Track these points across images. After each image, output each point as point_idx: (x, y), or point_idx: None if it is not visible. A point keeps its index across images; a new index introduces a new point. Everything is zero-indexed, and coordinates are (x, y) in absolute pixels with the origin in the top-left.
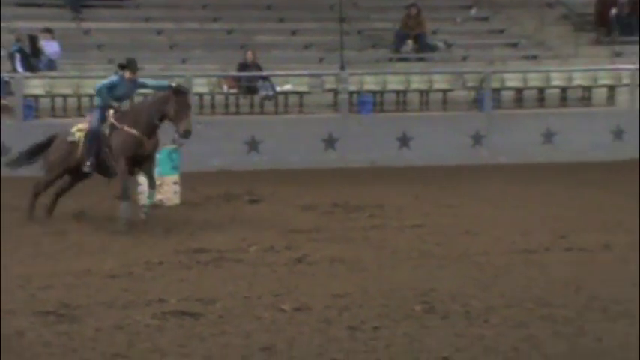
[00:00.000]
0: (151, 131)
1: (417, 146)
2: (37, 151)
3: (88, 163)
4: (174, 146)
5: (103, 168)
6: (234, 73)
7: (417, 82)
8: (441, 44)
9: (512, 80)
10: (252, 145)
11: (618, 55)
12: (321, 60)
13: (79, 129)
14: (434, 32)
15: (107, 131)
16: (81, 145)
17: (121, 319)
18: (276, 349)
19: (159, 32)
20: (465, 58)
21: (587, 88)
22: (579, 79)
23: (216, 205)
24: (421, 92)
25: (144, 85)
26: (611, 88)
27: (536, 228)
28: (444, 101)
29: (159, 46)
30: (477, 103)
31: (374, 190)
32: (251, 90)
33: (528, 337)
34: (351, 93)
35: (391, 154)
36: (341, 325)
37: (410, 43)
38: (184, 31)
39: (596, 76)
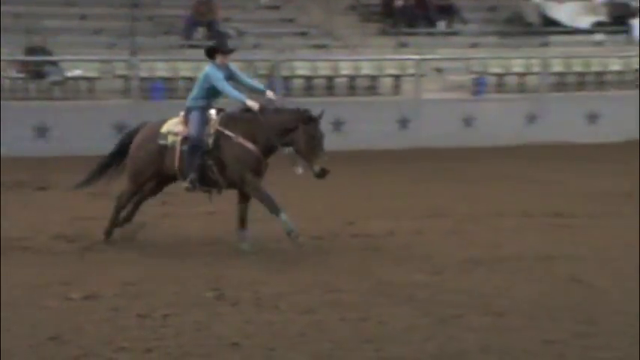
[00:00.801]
0: (270, 153)
1: None
2: (111, 162)
3: (190, 179)
4: None
5: (206, 180)
6: (22, 57)
7: None
8: (232, 32)
9: (302, 69)
10: (41, 132)
11: (404, 45)
12: (111, 46)
13: (170, 131)
14: (225, 20)
15: (210, 140)
16: (176, 152)
17: None
18: (64, 338)
19: None
20: (256, 46)
21: (374, 78)
22: (367, 69)
23: (3, 192)
24: None
25: (234, 77)
26: (397, 78)
27: (325, 215)
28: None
29: None
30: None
31: None
32: (39, 75)
33: (316, 323)
34: (142, 79)
35: None
36: (130, 314)
37: (201, 30)
38: None
39: (382, 66)
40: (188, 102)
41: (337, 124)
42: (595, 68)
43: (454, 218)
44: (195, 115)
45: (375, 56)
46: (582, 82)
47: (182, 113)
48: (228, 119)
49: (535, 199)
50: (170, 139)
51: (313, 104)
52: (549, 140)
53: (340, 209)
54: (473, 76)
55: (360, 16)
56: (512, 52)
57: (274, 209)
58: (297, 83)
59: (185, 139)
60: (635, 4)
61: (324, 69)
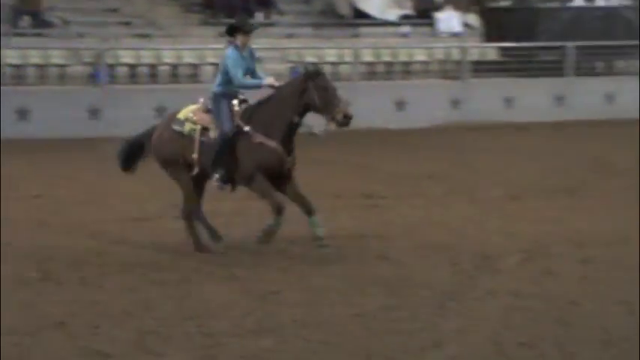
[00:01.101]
0: (290, 140)
1: (37, 119)
2: (134, 152)
3: (220, 175)
4: None
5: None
6: None
7: (35, 57)
8: (57, 21)
9: (126, 57)
10: None
11: (223, 35)
12: None
13: (189, 119)
14: (50, 9)
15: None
16: (195, 143)
17: None
18: None
19: None
20: (81, 35)
21: (196, 66)
22: (189, 58)
23: None
24: (39, 67)
25: (254, 58)
26: (218, 66)
27: (150, 198)
28: (62, 76)
29: None
30: (93, 78)
31: None
32: None
33: (140, 301)
34: None
35: (9, 127)
36: None
37: (27, 18)
38: None
39: (203, 55)
40: (213, 87)
41: (160, 111)
42: (402, 58)
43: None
44: (222, 107)
45: (197, 45)
46: (391, 71)
47: (201, 100)
48: (250, 113)
49: (347, 182)
50: (188, 126)
51: (137, 91)
52: (361, 126)
53: (165, 192)
54: (289, 65)
55: (181, 7)
56: (325, 42)
57: (279, 210)
58: (122, 71)
59: (205, 130)
60: None
61: (147, 57)
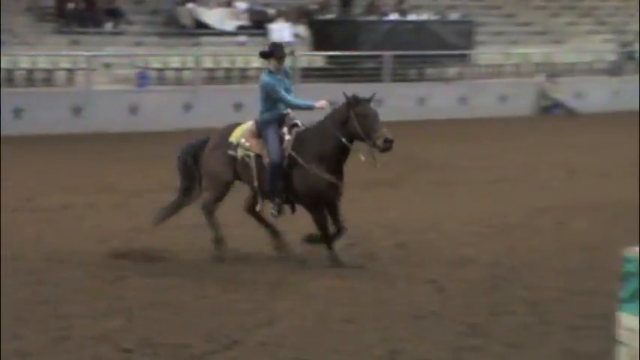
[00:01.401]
0: (340, 167)
1: None
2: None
3: (276, 204)
4: None
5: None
6: None
7: None
8: None
9: None
10: None
11: (76, 43)
12: None
13: (241, 144)
14: None
15: (284, 163)
16: (252, 170)
17: None
18: None
19: None
20: None
21: (50, 71)
22: (43, 63)
23: None
24: None
25: (288, 76)
26: (71, 72)
27: (4, 193)
28: None
29: None
30: None
31: None
32: None
33: None
34: None
35: None
36: None
37: None
38: None
39: (57, 61)
40: (258, 117)
41: (17, 112)
42: (239, 65)
43: (121, 193)
44: (270, 135)
45: (50, 52)
46: (229, 76)
47: (252, 122)
48: (300, 142)
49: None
50: (240, 152)
51: None
52: (203, 126)
53: (20, 187)
54: (137, 70)
55: (36, 16)
56: (170, 50)
57: (328, 242)
58: None
59: (259, 157)
60: (270, 11)
61: (4, 63)
